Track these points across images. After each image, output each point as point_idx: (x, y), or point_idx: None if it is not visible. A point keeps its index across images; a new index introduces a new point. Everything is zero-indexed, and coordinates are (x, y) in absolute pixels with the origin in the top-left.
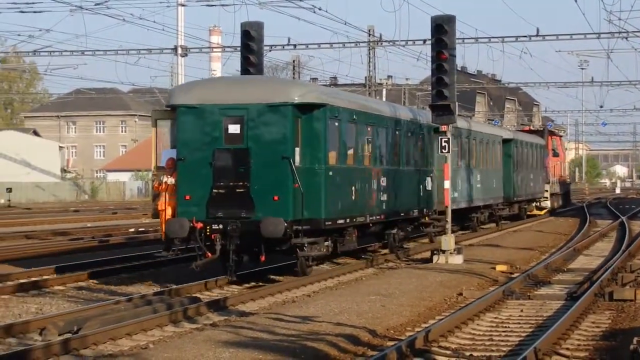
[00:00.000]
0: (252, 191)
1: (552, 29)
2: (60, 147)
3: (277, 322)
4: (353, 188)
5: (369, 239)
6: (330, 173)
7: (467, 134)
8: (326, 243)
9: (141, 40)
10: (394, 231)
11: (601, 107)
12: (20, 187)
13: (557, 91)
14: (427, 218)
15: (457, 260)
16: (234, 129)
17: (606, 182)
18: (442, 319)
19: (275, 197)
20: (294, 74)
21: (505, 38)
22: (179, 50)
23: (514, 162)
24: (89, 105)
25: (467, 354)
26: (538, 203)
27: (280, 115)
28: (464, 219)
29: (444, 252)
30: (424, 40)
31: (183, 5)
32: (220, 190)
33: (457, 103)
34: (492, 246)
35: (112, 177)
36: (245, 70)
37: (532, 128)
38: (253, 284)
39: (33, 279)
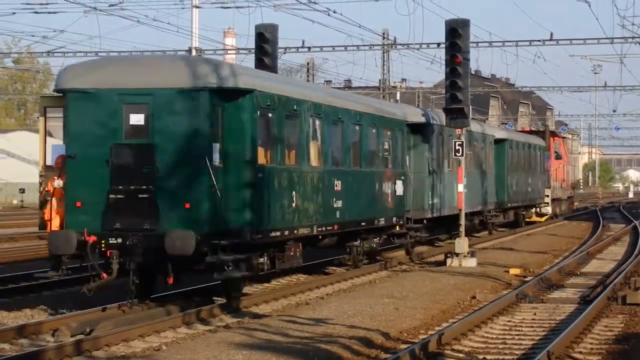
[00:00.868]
0: (158, 197)
1: (565, 33)
2: None
3: (291, 324)
4: (294, 193)
5: (338, 250)
6: (260, 175)
7: (449, 132)
8: (261, 260)
9: (155, 42)
10: (357, 243)
11: (614, 111)
12: (34, 188)
13: (570, 95)
14: (398, 227)
15: (471, 263)
16: (137, 119)
17: (619, 186)
18: (456, 322)
19: (187, 205)
20: (308, 76)
21: (519, 42)
22: (193, 52)
23: (509, 165)
24: None
25: (480, 357)
26: (538, 209)
27: (194, 102)
28: (451, 227)
29: (457, 255)
30: (438, 44)
31: (198, 7)
32: (119, 196)
33: (470, 106)
34: (506, 249)
35: None
36: None
37: (532, 129)
38: (266, 285)
39: None
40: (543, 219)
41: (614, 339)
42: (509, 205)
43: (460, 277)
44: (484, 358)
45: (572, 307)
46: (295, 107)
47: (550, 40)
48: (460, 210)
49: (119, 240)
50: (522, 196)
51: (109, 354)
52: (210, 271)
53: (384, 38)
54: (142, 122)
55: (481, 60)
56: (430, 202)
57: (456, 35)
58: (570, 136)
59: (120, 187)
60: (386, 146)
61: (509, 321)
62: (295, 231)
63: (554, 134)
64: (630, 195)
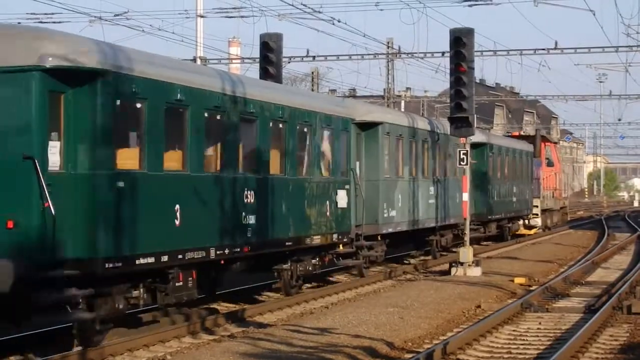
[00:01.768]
0: None
1: (570, 42)
2: None
3: (295, 333)
4: (177, 207)
5: (251, 276)
6: (121, 184)
7: (412, 134)
8: (135, 293)
9: (160, 52)
10: (286, 266)
11: (619, 120)
12: None
13: (575, 104)
14: (342, 246)
15: (476, 272)
16: None
17: (624, 195)
18: (460, 331)
19: (10, 224)
20: (312, 85)
21: (523, 51)
22: (198, 62)
23: (489, 172)
24: None
25: None
26: (527, 221)
27: (19, 86)
28: (421, 243)
29: (462, 264)
30: (443, 53)
31: (202, 17)
32: None
33: (475, 115)
34: (511, 258)
35: None
36: None
37: (521, 133)
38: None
39: None
40: (532, 231)
41: (619, 349)
42: (489, 217)
43: (465, 287)
44: None
45: (577, 317)
46: (180, 96)
47: (555, 49)
48: (416, 226)
49: None
50: (505, 207)
51: None
52: (53, 312)
53: (388, 47)
54: None
55: (486, 69)
56: (385, 214)
57: (460, 44)
58: (575, 145)
59: None
60: (323, 148)
61: (514, 330)
62: (180, 256)
63: (545, 139)
64: (635, 204)
